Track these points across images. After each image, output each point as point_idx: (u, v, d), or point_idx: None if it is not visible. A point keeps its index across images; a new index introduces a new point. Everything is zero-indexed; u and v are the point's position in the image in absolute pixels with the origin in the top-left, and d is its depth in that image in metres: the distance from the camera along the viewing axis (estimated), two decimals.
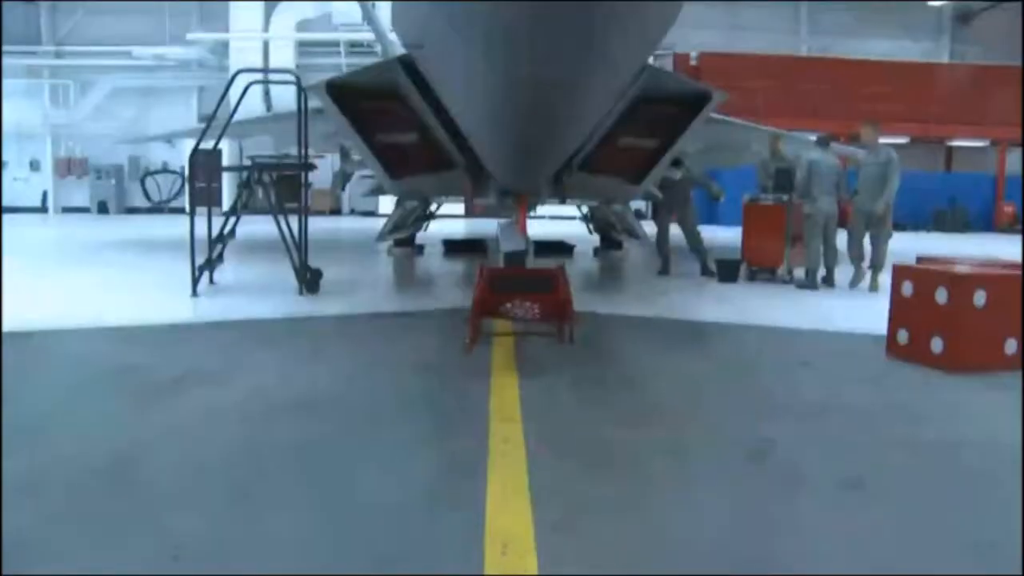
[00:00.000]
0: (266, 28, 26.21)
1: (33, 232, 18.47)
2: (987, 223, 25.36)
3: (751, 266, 10.69)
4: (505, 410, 4.42)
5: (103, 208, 27.49)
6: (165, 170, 28.00)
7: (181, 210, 27.70)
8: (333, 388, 4.93)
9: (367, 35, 22.82)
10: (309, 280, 8.85)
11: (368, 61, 25.96)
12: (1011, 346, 5.79)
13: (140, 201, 28.27)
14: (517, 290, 5.74)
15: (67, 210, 28.03)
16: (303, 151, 9.11)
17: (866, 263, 9.90)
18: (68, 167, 27.94)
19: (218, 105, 9.16)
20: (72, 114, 27.81)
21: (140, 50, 26.52)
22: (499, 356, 5.75)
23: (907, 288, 6.04)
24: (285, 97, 26.91)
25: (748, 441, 4.03)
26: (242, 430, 4.10)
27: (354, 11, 22.27)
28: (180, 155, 27.50)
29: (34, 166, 28.19)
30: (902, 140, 26.07)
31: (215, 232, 9.03)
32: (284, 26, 26.05)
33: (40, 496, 3.18)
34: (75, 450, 3.73)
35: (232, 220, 9.31)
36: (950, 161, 27.62)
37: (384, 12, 24.90)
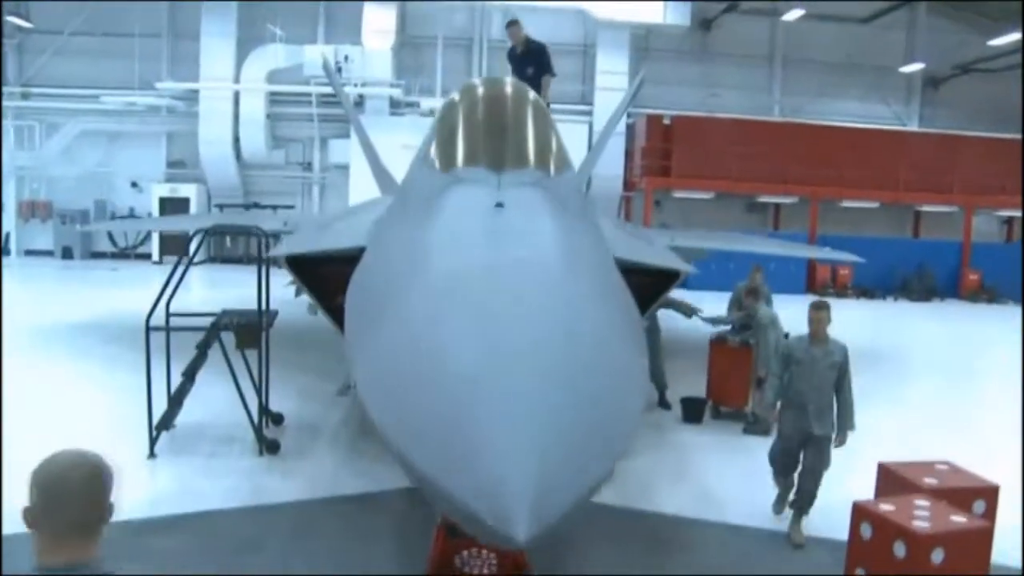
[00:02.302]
0: (237, 76, 25.94)
1: None
2: (954, 290, 25.63)
3: (716, 404, 10.67)
4: None
5: (68, 253, 27.01)
6: (132, 216, 27.57)
7: (147, 256, 27.29)
8: None
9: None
10: (269, 441, 8.71)
11: (338, 112, 25.85)
12: None
13: (105, 245, 27.84)
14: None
15: (30, 253, 27.55)
16: (263, 305, 8.96)
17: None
18: (32, 210, 27.42)
19: (186, 260, 8.95)
20: (37, 156, 27.32)
21: (109, 96, 26.14)
22: None
23: (866, 530, 6.00)
24: (255, 141, 26.80)
25: None
26: None
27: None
28: (147, 200, 27.21)
29: None
30: (873, 205, 26.36)
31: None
32: (254, 76, 25.80)
33: None
34: None
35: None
36: (918, 226, 27.93)
37: (353, 66, 24.94)
